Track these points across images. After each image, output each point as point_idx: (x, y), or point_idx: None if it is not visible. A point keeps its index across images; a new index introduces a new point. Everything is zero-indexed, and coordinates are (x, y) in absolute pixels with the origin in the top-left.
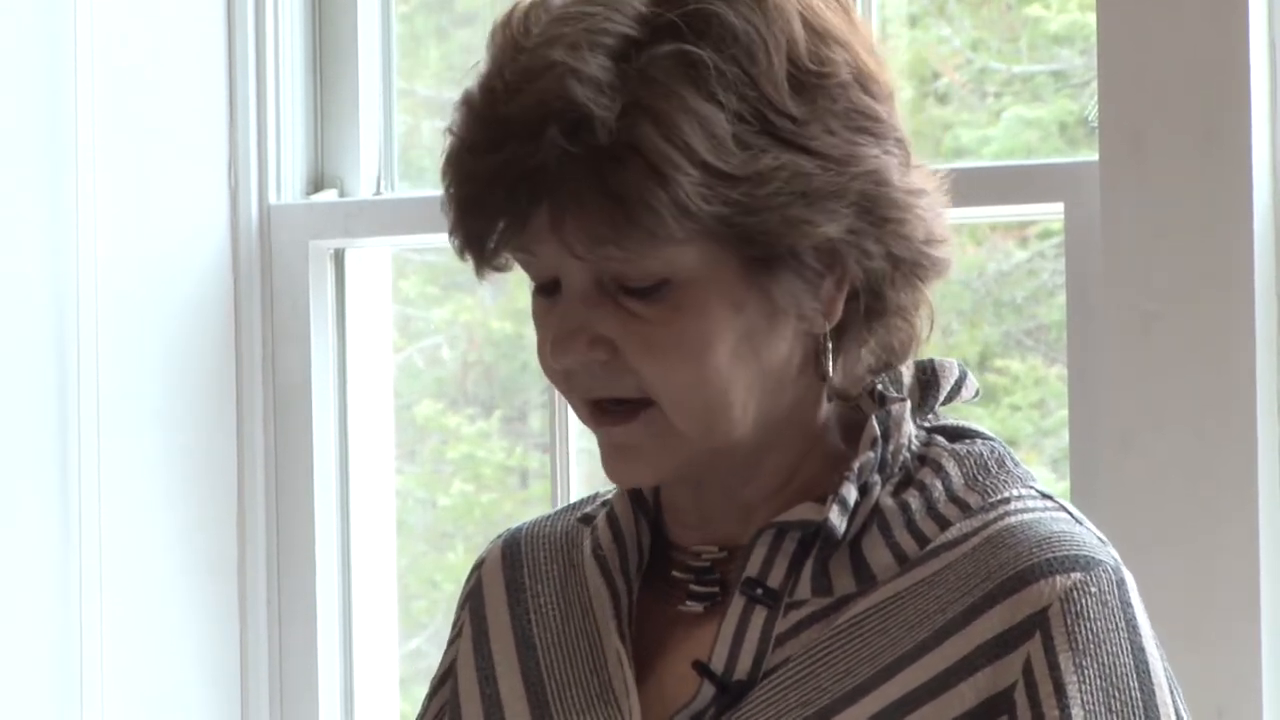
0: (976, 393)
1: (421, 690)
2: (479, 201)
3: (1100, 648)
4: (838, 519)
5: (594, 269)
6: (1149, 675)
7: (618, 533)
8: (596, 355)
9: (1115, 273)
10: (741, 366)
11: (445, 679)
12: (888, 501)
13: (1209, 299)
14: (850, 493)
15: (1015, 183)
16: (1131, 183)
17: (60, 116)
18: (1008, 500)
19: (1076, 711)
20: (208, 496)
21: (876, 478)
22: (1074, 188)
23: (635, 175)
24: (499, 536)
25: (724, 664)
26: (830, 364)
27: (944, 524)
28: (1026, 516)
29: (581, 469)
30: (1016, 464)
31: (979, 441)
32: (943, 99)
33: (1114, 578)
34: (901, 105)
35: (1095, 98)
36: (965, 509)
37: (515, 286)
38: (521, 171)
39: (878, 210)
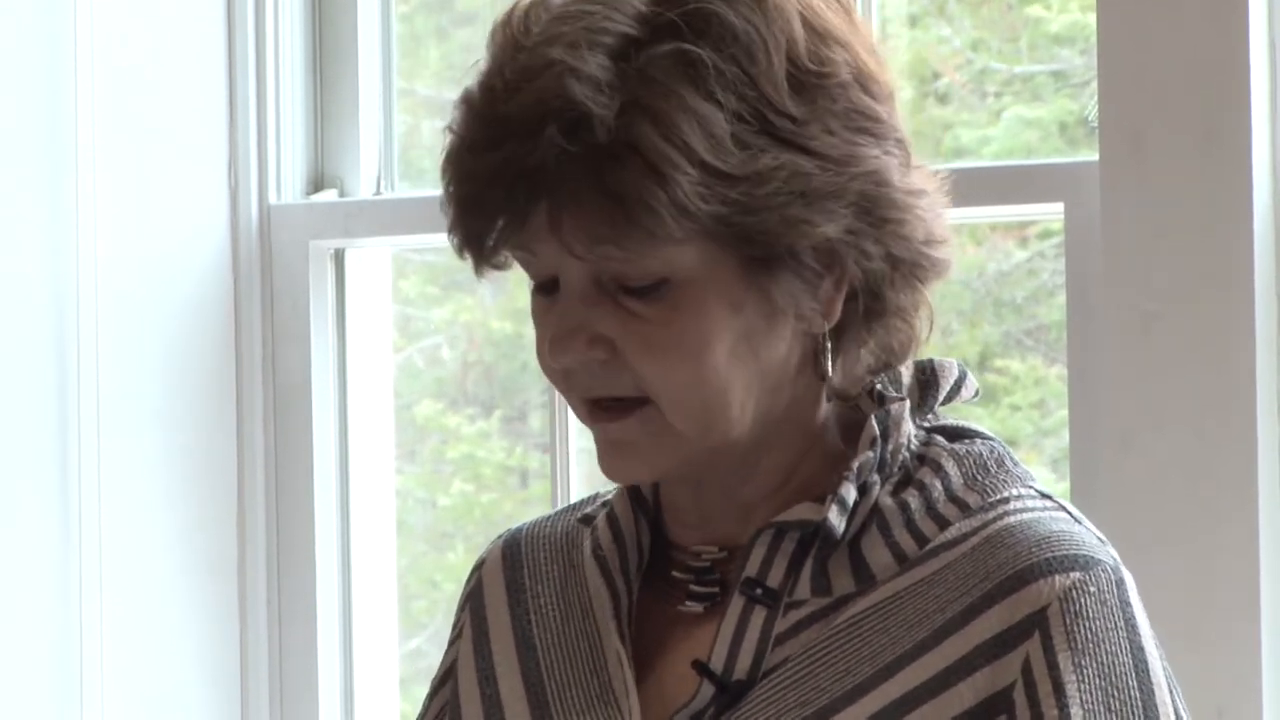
0: (976, 393)
1: (421, 690)
2: (478, 200)
3: (1099, 647)
4: (837, 519)
5: (593, 268)
6: (1148, 675)
7: (618, 533)
8: (595, 354)
9: (1115, 273)
10: (740, 366)
11: (446, 679)
12: (887, 501)
13: (1209, 299)
14: (849, 492)
15: (1015, 183)
16: (1131, 183)
17: (60, 116)
18: (1007, 500)
19: (1075, 711)
20: (208, 496)
21: (876, 477)
22: (1074, 188)
23: (634, 174)
24: (499, 537)
25: (723, 664)
26: (829, 364)
27: (943, 524)
28: (1026, 516)
29: (581, 469)
30: (1016, 464)
31: (978, 441)
32: (943, 99)
33: (1113, 577)
34: (901, 105)
35: (1095, 98)
36: (964, 509)
37: (515, 286)
38: (520, 170)
39: (877, 211)
